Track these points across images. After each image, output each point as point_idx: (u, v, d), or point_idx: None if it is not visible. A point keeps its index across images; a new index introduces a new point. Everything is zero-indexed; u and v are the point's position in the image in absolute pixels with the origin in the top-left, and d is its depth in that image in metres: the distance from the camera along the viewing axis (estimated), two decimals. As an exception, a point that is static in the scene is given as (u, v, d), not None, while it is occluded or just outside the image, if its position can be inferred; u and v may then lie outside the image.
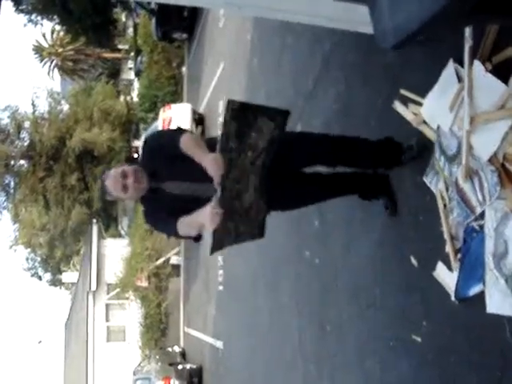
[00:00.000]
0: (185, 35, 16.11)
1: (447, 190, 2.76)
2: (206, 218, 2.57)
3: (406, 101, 3.20)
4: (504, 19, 1.63)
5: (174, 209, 2.86)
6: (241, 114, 2.45)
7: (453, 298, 2.65)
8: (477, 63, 2.50)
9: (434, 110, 2.88)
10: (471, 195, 2.56)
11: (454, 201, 2.69)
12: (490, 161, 2.44)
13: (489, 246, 2.42)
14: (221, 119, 2.52)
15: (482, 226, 2.50)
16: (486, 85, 2.45)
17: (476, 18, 1.35)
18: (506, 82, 2.36)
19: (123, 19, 27.50)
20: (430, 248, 2.91)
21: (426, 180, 2.92)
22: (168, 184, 2.86)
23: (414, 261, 3.05)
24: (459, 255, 2.65)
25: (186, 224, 2.78)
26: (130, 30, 25.82)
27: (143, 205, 3.06)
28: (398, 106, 3.27)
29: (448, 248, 2.72)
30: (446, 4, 1.19)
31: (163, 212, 2.90)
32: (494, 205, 2.42)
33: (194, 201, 2.79)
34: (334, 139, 3.12)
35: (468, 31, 2.56)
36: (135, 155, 19.03)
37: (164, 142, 2.92)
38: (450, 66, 2.73)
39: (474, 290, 2.50)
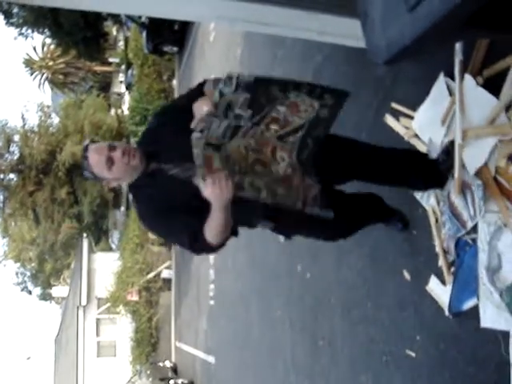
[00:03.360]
0: (175, 48, 16.13)
1: (438, 204, 2.75)
2: (213, 198, 1.97)
3: (396, 114, 3.20)
4: (495, 34, 1.63)
5: (178, 202, 2.20)
6: (258, 87, 2.07)
7: (447, 313, 2.63)
8: (468, 77, 2.51)
9: (425, 124, 2.88)
10: (462, 210, 2.55)
11: (445, 215, 2.68)
12: (477, 174, 2.44)
13: (482, 259, 2.41)
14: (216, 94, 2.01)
15: (474, 240, 2.49)
16: (478, 99, 2.45)
17: (469, 32, 1.35)
18: (497, 95, 2.37)
19: (114, 33, 27.55)
20: (423, 262, 2.89)
21: (417, 196, 2.91)
22: (172, 166, 2.22)
23: (406, 275, 3.03)
24: (452, 269, 2.63)
25: (213, 227, 2.10)
26: (121, 44, 25.85)
27: (135, 197, 2.36)
28: (389, 120, 3.27)
29: (441, 262, 2.70)
30: (439, 18, 1.18)
31: (169, 209, 2.21)
32: (486, 218, 2.41)
33: None
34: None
35: (458, 45, 2.57)
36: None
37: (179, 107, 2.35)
38: (441, 79, 2.74)
39: (468, 305, 2.49)
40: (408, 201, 3.00)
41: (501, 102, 2.33)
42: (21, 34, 19.34)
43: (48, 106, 21.44)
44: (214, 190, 1.95)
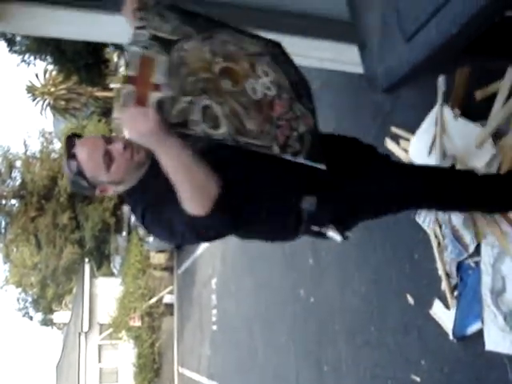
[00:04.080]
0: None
1: (440, 227, 2.75)
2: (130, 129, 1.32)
3: (396, 137, 3.22)
4: (492, 61, 1.65)
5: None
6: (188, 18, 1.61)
7: (451, 337, 2.61)
8: (446, 109, 2.56)
9: (419, 149, 2.91)
10: (464, 232, 2.55)
11: (447, 238, 2.68)
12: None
13: (486, 282, 2.40)
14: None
15: (477, 263, 2.49)
16: (459, 128, 2.51)
17: (466, 59, 1.37)
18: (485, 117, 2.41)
19: (115, 59, 27.81)
20: (426, 285, 2.88)
21: (419, 220, 2.92)
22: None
23: (410, 298, 3.02)
24: (456, 292, 2.63)
25: (176, 183, 1.44)
26: (122, 69, 26.09)
27: (141, 204, 1.63)
28: (389, 144, 3.29)
29: (444, 285, 2.69)
30: (437, 48, 1.20)
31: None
32: (489, 241, 2.41)
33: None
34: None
35: (441, 78, 2.62)
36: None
37: None
38: (437, 108, 2.77)
39: (472, 328, 2.47)
40: (410, 223, 3.01)
41: (487, 129, 2.37)
42: (23, 60, 19.52)
43: (50, 132, 21.57)
44: (126, 122, 1.31)
